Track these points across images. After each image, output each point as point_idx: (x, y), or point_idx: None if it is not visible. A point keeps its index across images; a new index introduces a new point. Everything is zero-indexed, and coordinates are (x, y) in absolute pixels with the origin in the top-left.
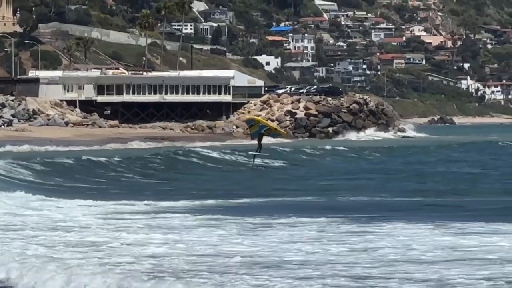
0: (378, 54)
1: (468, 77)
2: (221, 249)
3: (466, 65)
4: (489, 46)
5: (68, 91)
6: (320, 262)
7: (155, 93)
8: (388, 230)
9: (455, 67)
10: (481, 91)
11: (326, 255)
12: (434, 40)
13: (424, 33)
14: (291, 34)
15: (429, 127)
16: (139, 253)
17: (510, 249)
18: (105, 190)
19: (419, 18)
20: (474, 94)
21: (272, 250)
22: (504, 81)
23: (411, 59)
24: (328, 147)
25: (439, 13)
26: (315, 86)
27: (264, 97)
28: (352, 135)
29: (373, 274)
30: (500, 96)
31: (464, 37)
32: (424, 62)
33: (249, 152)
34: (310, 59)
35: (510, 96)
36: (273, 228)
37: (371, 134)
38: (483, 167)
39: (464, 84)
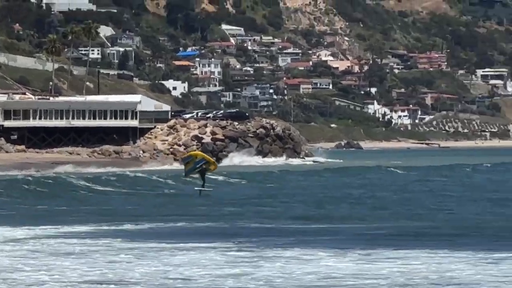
0: (285, 78)
1: (375, 102)
2: (107, 276)
3: (373, 90)
4: (396, 71)
5: None
6: (202, 286)
7: (62, 118)
8: (279, 256)
9: (362, 92)
10: (388, 116)
11: (213, 280)
12: (341, 64)
13: (331, 58)
14: (198, 59)
15: (338, 152)
16: (15, 281)
17: (396, 277)
18: None
19: (326, 43)
20: (381, 119)
21: (156, 275)
22: (411, 105)
23: (318, 84)
24: (221, 178)
25: (346, 38)
26: (222, 111)
27: (171, 122)
28: (257, 160)
29: None
30: (407, 121)
31: (371, 61)
32: (331, 86)
33: (195, 188)
34: (217, 83)
35: (417, 121)
36: (167, 253)
37: (277, 160)
38: (384, 192)
39: (371, 108)
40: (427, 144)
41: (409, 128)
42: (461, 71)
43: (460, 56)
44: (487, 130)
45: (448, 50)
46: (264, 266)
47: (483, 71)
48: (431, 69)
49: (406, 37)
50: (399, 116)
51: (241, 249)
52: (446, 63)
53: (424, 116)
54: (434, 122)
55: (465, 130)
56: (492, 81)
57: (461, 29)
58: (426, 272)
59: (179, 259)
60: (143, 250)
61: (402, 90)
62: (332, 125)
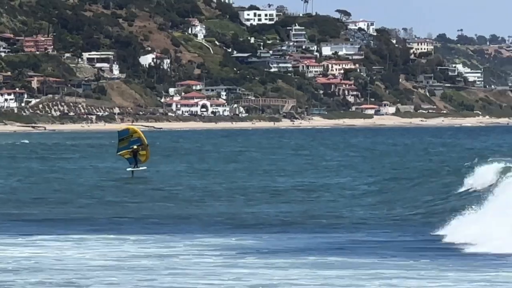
0: None
1: None
2: None
3: None
4: (3, 54)
5: None
6: None
7: None
8: None
9: None
10: None
11: None
12: None
13: None
14: None
15: None
16: None
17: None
18: None
19: None
20: None
21: None
22: (17, 89)
23: None
24: None
25: None
26: None
27: None
28: None
29: None
30: (13, 104)
31: None
32: None
33: (127, 169)
34: None
35: (23, 104)
36: None
37: None
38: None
39: None
40: (33, 127)
41: (16, 111)
42: (67, 54)
43: (66, 39)
44: (93, 113)
45: (55, 33)
46: None
47: (89, 54)
48: (37, 52)
49: (13, 20)
50: (6, 100)
51: None
52: (52, 47)
53: (30, 100)
54: (41, 106)
55: (72, 113)
56: (98, 64)
57: (68, 12)
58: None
59: None
60: None
61: (9, 73)
62: None
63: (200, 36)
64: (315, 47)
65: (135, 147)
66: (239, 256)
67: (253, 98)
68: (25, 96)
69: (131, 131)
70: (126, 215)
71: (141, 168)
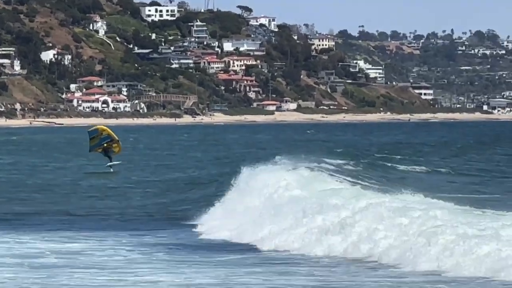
0: None
1: None
2: None
3: None
4: None
5: None
6: None
7: None
8: None
9: None
10: None
11: None
12: None
13: None
14: None
15: None
16: None
17: None
18: None
19: None
20: None
21: None
22: None
23: None
24: None
25: None
26: None
27: None
28: None
29: None
30: None
31: None
32: None
33: (106, 165)
34: None
35: None
36: None
37: None
38: None
39: None
40: None
41: None
42: None
43: None
44: None
45: None
46: None
47: None
48: None
49: None
50: None
51: None
52: None
53: None
54: None
55: None
56: None
57: None
58: None
59: None
60: None
61: None
62: None
63: (101, 32)
64: (217, 43)
65: (105, 144)
66: (125, 252)
67: (154, 94)
68: None
69: (100, 130)
70: (31, 211)
71: (116, 163)
